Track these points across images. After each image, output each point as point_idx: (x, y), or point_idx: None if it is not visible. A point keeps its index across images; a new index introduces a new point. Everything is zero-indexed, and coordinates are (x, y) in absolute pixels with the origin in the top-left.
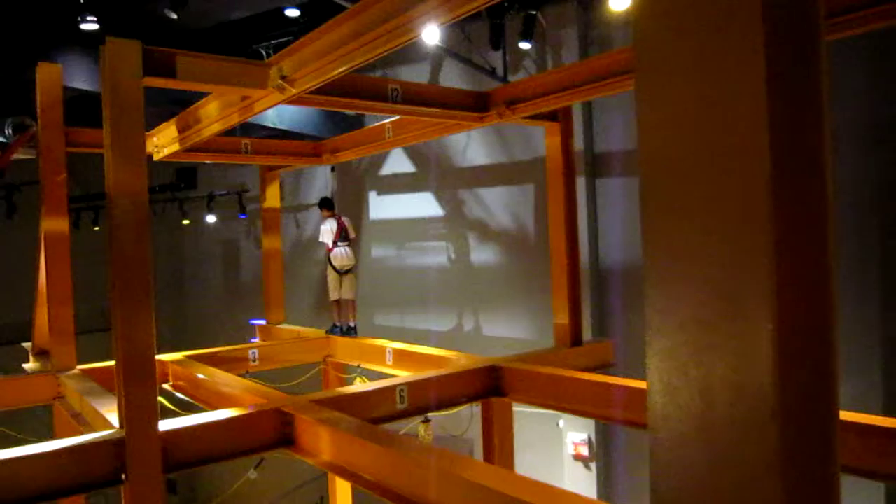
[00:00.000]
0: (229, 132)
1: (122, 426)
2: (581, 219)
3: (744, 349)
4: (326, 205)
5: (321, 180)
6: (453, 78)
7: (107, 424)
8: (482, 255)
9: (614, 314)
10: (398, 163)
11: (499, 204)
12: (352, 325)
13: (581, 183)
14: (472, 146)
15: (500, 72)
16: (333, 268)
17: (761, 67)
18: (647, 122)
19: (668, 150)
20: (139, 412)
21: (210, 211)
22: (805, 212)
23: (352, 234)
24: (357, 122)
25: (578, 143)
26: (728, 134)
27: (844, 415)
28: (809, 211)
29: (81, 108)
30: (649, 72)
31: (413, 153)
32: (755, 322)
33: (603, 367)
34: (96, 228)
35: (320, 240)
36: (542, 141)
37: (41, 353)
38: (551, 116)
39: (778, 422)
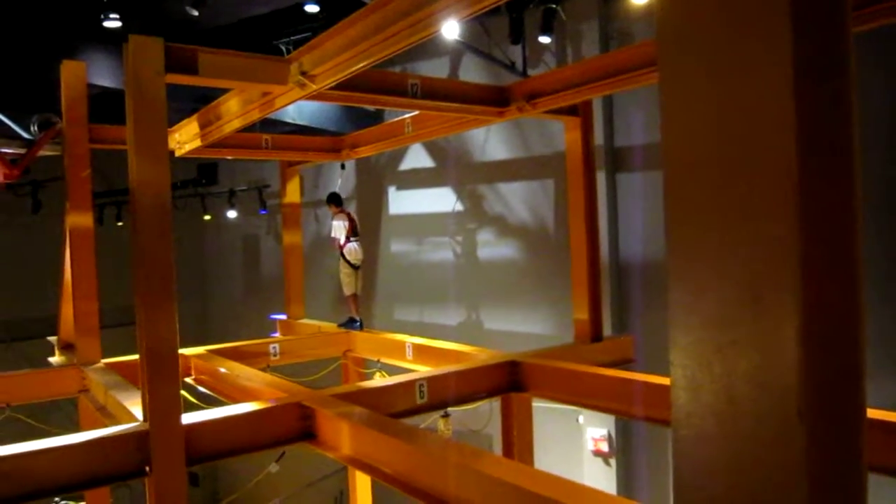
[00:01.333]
0: (250, 128)
1: (145, 419)
2: (601, 214)
3: (768, 346)
4: (336, 200)
5: (342, 176)
6: (473, 73)
7: (131, 417)
8: (501, 250)
9: (635, 310)
10: (418, 158)
11: (518, 199)
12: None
13: (601, 178)
14: (491, 141)
15: (519, 66)
16: (349, 263)
17: (789, 61)
18: (671, 117)
19: (692, 146)
20: (163, 406)
21: (231, 206)
22: (832, 209)
23: (359, 229)
24: (377, 118)
25: (599, 138)
26: (754, 129)
27: (871, 413)
28: (836, 208)
29: (105, 106)
30: (673, 66)
31: (432, 148)
32: (780, 319)
33: (623, 363)
34: (120, 224)
35: (333, 235)
36: (562, 136)
37: (67, 347)
38: (571, 111)
39: (803, 419)
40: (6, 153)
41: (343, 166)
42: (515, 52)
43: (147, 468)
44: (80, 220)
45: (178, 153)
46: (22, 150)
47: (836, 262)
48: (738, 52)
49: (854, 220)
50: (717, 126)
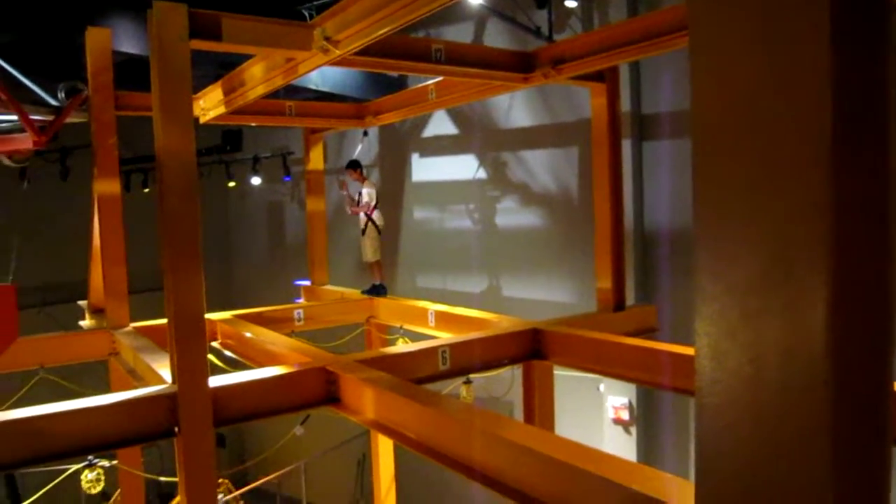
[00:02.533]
0: (273, 95)
1: (174, 382)
2: (626, 183)
3: (796, 314)
4: (358, 167)
5: (364, 143)
6: (497, 38)
7: (160, 380)
8: (524, 218)
9: (659, 279)
10: (441, 125)
11: (542, 167)
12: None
13: (627, 146)
14: (515, 107)
15: (545, 31)
16: (378, 229)
17: (826, 27)
18: (701, 84)
19: (722, 114)
20: (190, 368)
21: (255, 173)
22: (866, 179)
23: None
24: (400, 84)
25: (625, 105)
26: (789, 97)
27: None
28: (871, 178)
29: (130, 72)
30: (704, 32)
31: (456, 115)
32: (809, 288)
33: (646, 332)
34: (146, 191)
35: (365, 200)
36: (588, 102)
37: (97, 311)
38: (597, 77)
39: (829, 389)
40: (35, 120)
41: (366, 133)
42: (541, 17)
43: (176, 429)
44: (107, 186)
45: (202, 120)
46: (50, 117)
47: (869, 233)
48: (773, 18)
49: (888, 190)
50: (750, 93)
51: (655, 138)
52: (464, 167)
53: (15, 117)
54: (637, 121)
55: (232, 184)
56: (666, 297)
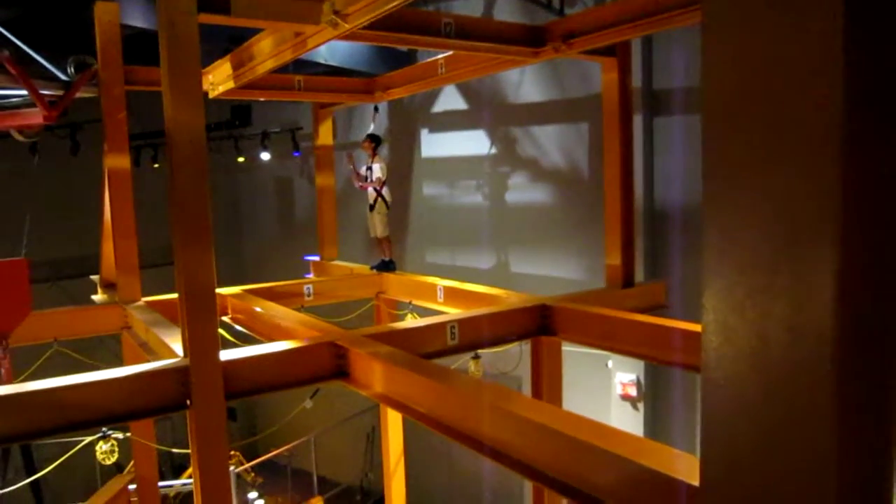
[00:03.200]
0: (282, 69)
1: (186, 355)
2: (636, 159)
3: (803, 292)
4: (377, 140)
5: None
6: (507, 12)
7: (172, 353)
8: (534, 194)
9: (669, 256)
10: (451, 100)
11: (552, 142)
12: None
13: (638, 121)
14: (525, 83)
15: (555, 5)
16: (387, 204)
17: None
18: (713, 60)
19: (734, 90)
20: (201, 342)
21: (264, 148)
22: (876, 159)
23: None
24: (409, 58)
25: (636, 80)
26: (801, 75)
27: None
28: (880, 159)
29: (139, 47)
30: (717, 7)
31: (466, 90)
32: (817, 266)
33: (655, 309)
34: (156, 166)
35: (377, 176)
36: (598, 77)
37: (108, 286)
38: (609, 52)
39: (836, 365)
40: (45, 95)
41: (376, 108)
42: None
43: (188, 401)
44: (117, 161)
45: (211, 94)
46: (59, 92)
47: (877, 213)
48: None
49: None
50: (762, 70)
51: (666, 114)
52: (473, 143)
53: (25, 92)
54: (648, 96)
55: (241, 159)
56: (675, 274)
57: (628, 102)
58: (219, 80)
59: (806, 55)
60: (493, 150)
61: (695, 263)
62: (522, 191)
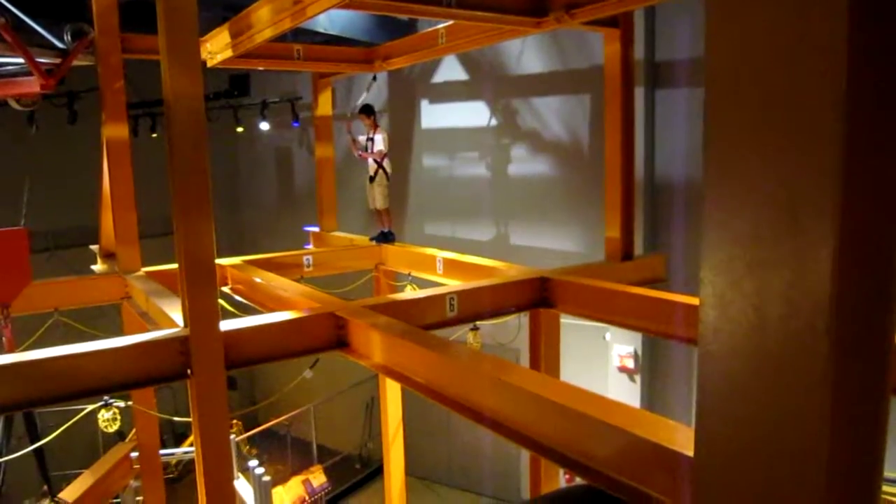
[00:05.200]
0: (281, 38)
1: (186, 325)
2: (638, 131)
3: (801, 265)
4: (372, 112)
5: (373, 88)
6: None
7: (172, 323)
8: (534, 166)
9: (668, 229)
10: (451, 70)
11: (553, 114)
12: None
13: (640, 94)
14: (526, 54)
15: None
16: (387, 176)
17: None
18: (717, 31)
19: (737, 61)
20: (202, 312)
21: (263, 118)
22: (878, 134)
23: None
24: (410, 28)
25: (639, 52)
26: (805, 48)
27: None
28: (882, 133)
29: (136, 14)
30: None
31: (466, 60)
32: (816, 240)
33: (653, 282)
34: (154, 135)
35: (379, 148)
36: (601, 48)
37: (108, 256)
38: (611, 22)
39: (831, 339)
40: (41, 63)
41: (374, 77)
42: None
43: (188, 371)
44: (115, 130)
45: (209, 63)
46: (56, 60)
47: (877, 187)
48: None
49: None
50: (766, 42)
51: (669, 86)
52: (474, 114)
53: (21, 60)
54: (651, 68)
55: (240, 129)
56: (674, 247)
57: (630, 74)
58: (217, 48)
59: (810, 30)
60: (494, 122)
61: (694, 237)
62: (523, 163)
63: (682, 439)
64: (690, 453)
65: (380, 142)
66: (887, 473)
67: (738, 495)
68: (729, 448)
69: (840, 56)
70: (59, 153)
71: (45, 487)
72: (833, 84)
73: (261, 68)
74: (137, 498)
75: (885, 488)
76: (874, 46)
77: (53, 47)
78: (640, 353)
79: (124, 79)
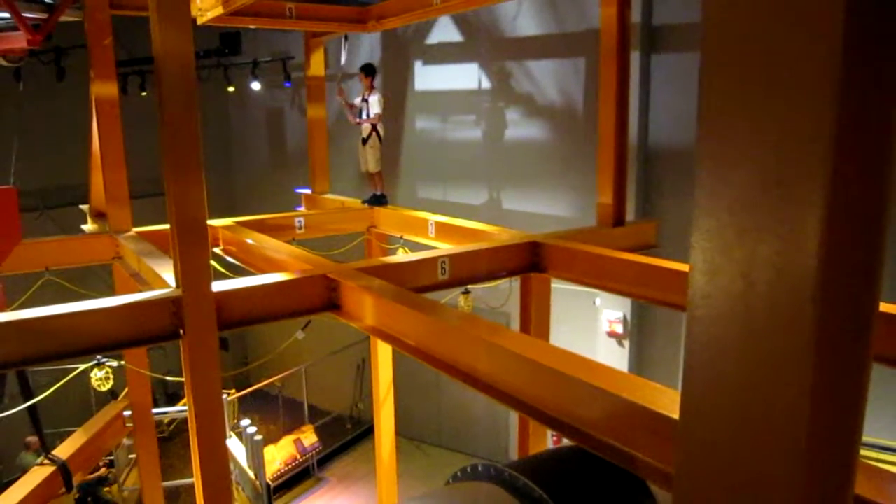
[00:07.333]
0: None
1: (178, 285)
2: (632, 96)
3: (790, 233)
4: (372, 72)
5: (365, 48)
6: None
7: (164, 284)
8: (528, 130)
9: (661, 196)
10: (445, 31)
11: (548, 77)
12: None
13: (635, 58)
14: (522, 15)
15: None
16: (380, 138)
17: None
18: None
19: (732, 24)
20: (194, 273)
21: (255, 78)
22: (871, 102)
23: None
24: None
25: (635, 15)
26: (799, 10)
27: (883, 307)
28: (875, 103)
29: None
30: None
31: (461, 21)
32: (804, 207)
33: (645, 248)
34: (143, 94)
35: (377, 111)
36: (597, 11)
37: (98, 216)
38: None
39: (817, 305)
40: (28, 18)
41: (346, 37)
42: None
43: (181, 331)
44: (104, 88)
45: (199, 21)
46: (43, 16)
47: (868, 156)
48: None
49: (891, 116)
50: (763, 7)
51: (665, 51)
52: (468, 76)
53: (7, 15)
54: (647, 32)
55: (231, 89)
56: (666, 214)
57: (627, 38)
58: (207, 5)
59: None
60: (488, 85)
61: (686, 204)
62: (516, 126)
63: (667, 402)
64: (676, 416)
65: (375, 104)
66: (865, 438)
67: (721, 456)
68: (713, 411)
69: (837, 20)
70: (47, 110)
71: (28, 438)
72: (828, 50)
73: (252, 26)
74: (130, 455)
75: (863, 452)
76: (871, 16)
77: (40, 2)
78: (629, 318)
79: (113, 35)
